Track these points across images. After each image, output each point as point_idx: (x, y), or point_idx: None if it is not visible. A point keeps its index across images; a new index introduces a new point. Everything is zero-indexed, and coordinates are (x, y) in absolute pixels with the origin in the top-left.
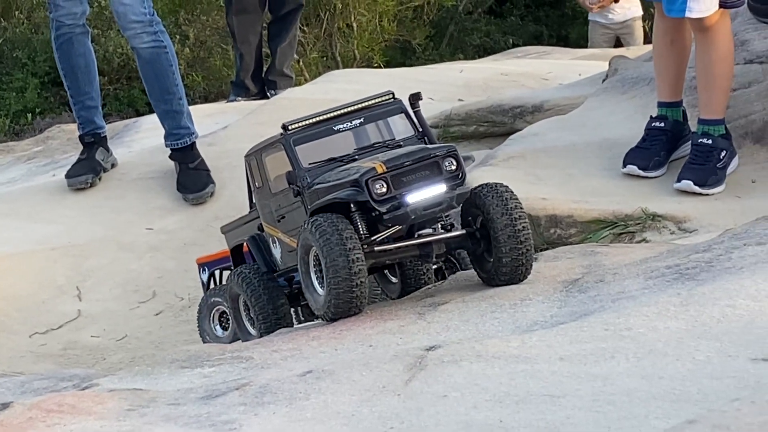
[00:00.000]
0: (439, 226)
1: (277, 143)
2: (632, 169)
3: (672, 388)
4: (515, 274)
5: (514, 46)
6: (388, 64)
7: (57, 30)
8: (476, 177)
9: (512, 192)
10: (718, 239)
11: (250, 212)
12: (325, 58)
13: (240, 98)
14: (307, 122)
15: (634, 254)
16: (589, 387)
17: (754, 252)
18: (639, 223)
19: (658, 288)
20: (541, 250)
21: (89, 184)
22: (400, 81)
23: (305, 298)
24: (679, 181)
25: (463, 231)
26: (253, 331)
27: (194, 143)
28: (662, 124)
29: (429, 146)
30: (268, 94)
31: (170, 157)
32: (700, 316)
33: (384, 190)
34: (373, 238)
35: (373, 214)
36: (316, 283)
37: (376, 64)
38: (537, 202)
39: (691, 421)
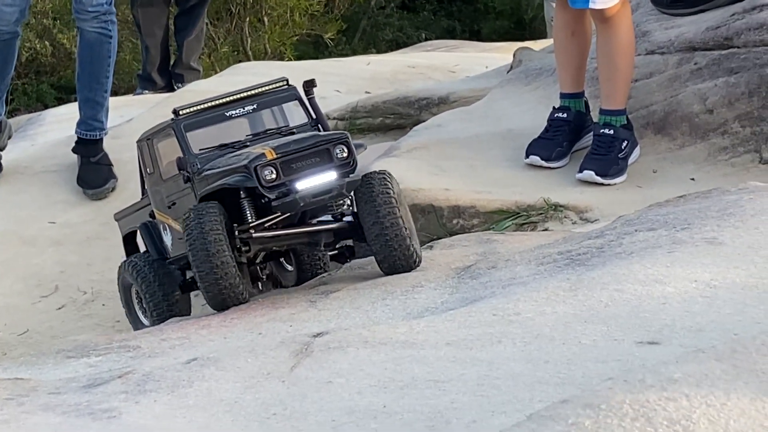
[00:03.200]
0: (330, 214)
1: (168, 128)
2: (535, 159)
3: (557, 372)
4: (394, 266)
5: (427, 40)
6: (300, 59)
7: None
8: (379, 168)
9: (388, 183)
10: (611, 225)
11: (142, 199)
12: (236, 53)
13: (147, 91)
14: (198, 108)
15: (529, 241)
16: (475, 372)
17: (645, 237)
18: (541, 213)
19: (548, 273)
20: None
21: None
22: (306, 74)
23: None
24: (581, 171)
25: (350, 220)
26: (146, 322)
27: (101, 139)
28: (565, 115)
29: (320, 133)
30: (175, 87)
31: (73, 149)
32: (588, 301)
33: (273, 176)
34: (251, 225)
35: (263, 200)
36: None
37: (287, 59)
38: (440, 193)
39: (564, 401)
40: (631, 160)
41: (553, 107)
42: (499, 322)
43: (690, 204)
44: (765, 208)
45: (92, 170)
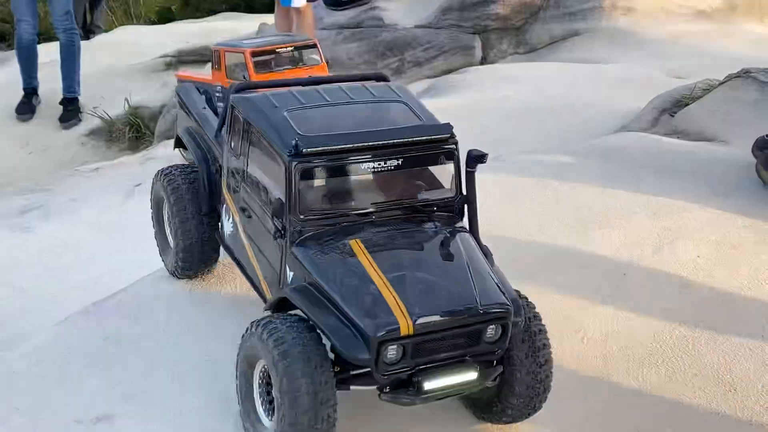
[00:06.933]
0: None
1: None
2: None
3: None
4: (522, 413)
5: None
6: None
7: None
8: None
9: (543, 327)
10: None
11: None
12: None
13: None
14: (324, 147)
15: None
16: None
17: None
18: None
19: None
20: None
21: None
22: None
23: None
24: None
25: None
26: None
27: (77, 98)
28: None
29: (479, 305)
30: (89, 36)
31: (60, 102)
32: None
33: (397, 357)
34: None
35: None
36: (260, 412)
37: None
38: None
39: None
40: None
41: None
42: None
43: None
44: None
45: (67, 114)
